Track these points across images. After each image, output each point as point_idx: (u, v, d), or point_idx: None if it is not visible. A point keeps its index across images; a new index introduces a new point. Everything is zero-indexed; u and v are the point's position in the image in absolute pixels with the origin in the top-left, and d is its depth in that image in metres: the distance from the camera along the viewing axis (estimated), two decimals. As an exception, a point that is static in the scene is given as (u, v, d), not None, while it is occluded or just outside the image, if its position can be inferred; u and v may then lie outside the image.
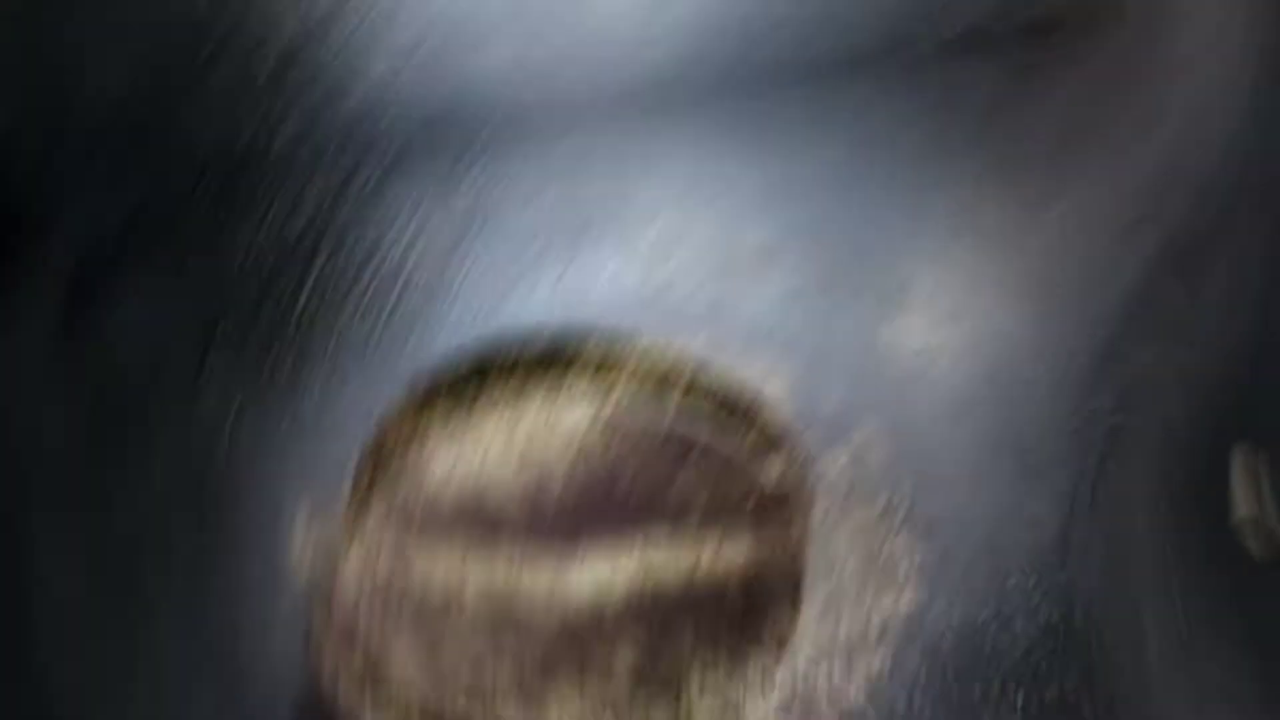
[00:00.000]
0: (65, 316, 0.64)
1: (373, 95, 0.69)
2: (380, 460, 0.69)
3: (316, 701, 0.65)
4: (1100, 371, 0.65)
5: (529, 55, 0.70)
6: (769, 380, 0.71)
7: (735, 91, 0.69)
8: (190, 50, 0.67)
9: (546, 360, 0.72)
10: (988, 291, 0.68)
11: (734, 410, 0.70)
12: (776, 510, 0.68)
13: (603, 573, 0.67)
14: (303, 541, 0.67)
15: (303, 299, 0.70)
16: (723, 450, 0.70)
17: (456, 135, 0.70)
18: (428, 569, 0.67)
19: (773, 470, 0.69)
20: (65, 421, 0.64)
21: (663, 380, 0.71)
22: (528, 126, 0.70)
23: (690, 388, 0.71)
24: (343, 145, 0.68)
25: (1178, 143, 0.64)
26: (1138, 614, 0.62)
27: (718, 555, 0.67)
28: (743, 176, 0.71)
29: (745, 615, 0.66)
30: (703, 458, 0.70)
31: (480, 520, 0.68)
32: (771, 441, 0.70)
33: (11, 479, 0.63)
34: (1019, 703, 0.61)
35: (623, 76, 0.69)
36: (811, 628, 0.66)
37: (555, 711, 0.63)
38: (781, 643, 0.65)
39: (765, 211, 0.71)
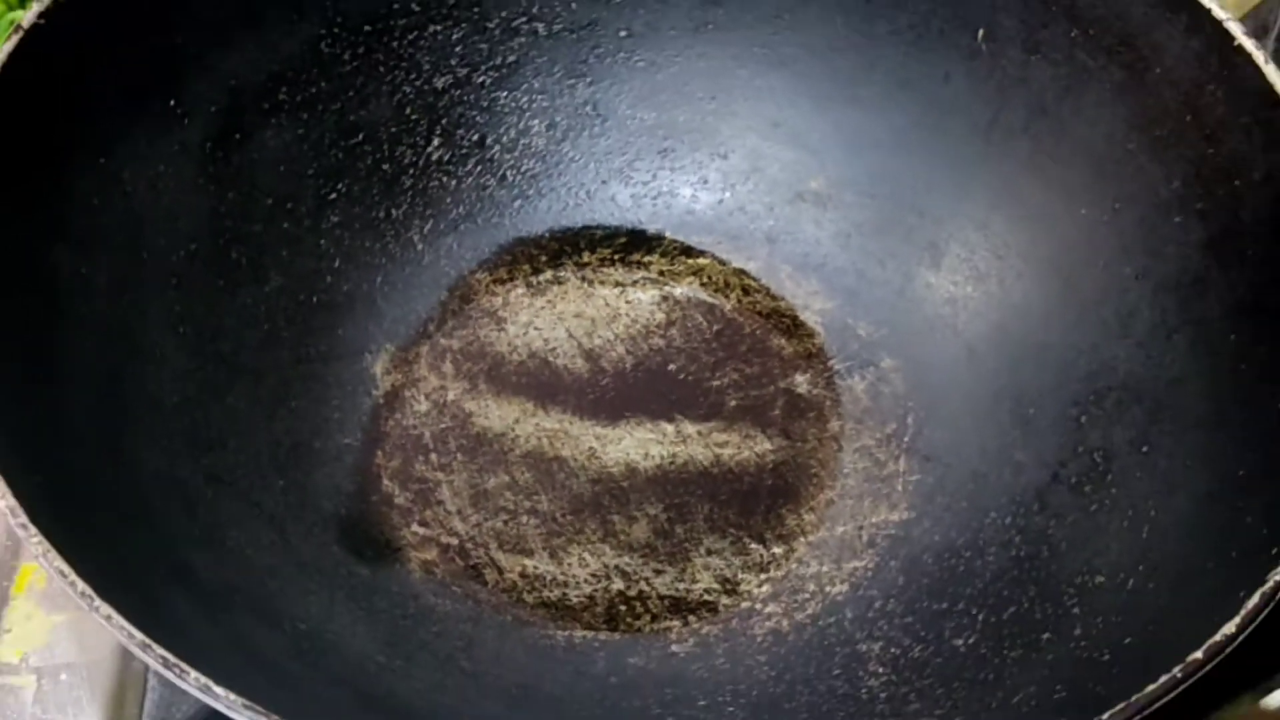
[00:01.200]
0: (216, 140, 0.64)
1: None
2: (464, 314, 0.71)
3: (367, 518, 0.64)
4: (1108, 349, 0.63)
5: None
6: (811, 304, 0.72)
7: (840, 45, 0.69)
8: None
9: (621, 255, 0.73)
10: (1016, 261, 0.68)
11: (777, 325, 0.72)
12: (800, 417, 0.69)
13: (638, 447, 0.67)
14: (382, 372, 0.68)
15: (417, 171, 0.71)
16: (762, 357, 0.70)
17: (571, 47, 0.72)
18: (486, 417, 0.68)
19: (802, 382, 0.70)
20: (203, 225, 0.64)
21: (719, 289, 0.72)
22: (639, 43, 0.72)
23: (743, 299, 0.72)
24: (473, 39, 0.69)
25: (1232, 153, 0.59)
26: (1102, 563, 0.58)
27: (741, 447, 0.68)
28: (817, 127, 0.72)
29: (756, 504, 0.66)
30: (744, 361, 0.70)
31: (541, 382, 0.69)
32: (806, 357, 0.71)
33: (143, 262, 0.60)
34: (979, 621, 0.60)
35: (732, 12, 0.70)
36: (812, 525, 0.65)
37: (575, 567, 0.63)
38: (783, 533, 0.65)
39: (830, 160, 0.72)
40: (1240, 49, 0.58)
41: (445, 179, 0.71)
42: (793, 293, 0.72)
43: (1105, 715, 0.45)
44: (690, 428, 0.68)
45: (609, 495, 0.66)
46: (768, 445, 0.67)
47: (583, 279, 0.72)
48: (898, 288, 0.70)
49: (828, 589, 0.63)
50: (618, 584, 0.63)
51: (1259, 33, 0.62)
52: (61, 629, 0.65)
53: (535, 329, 0.70)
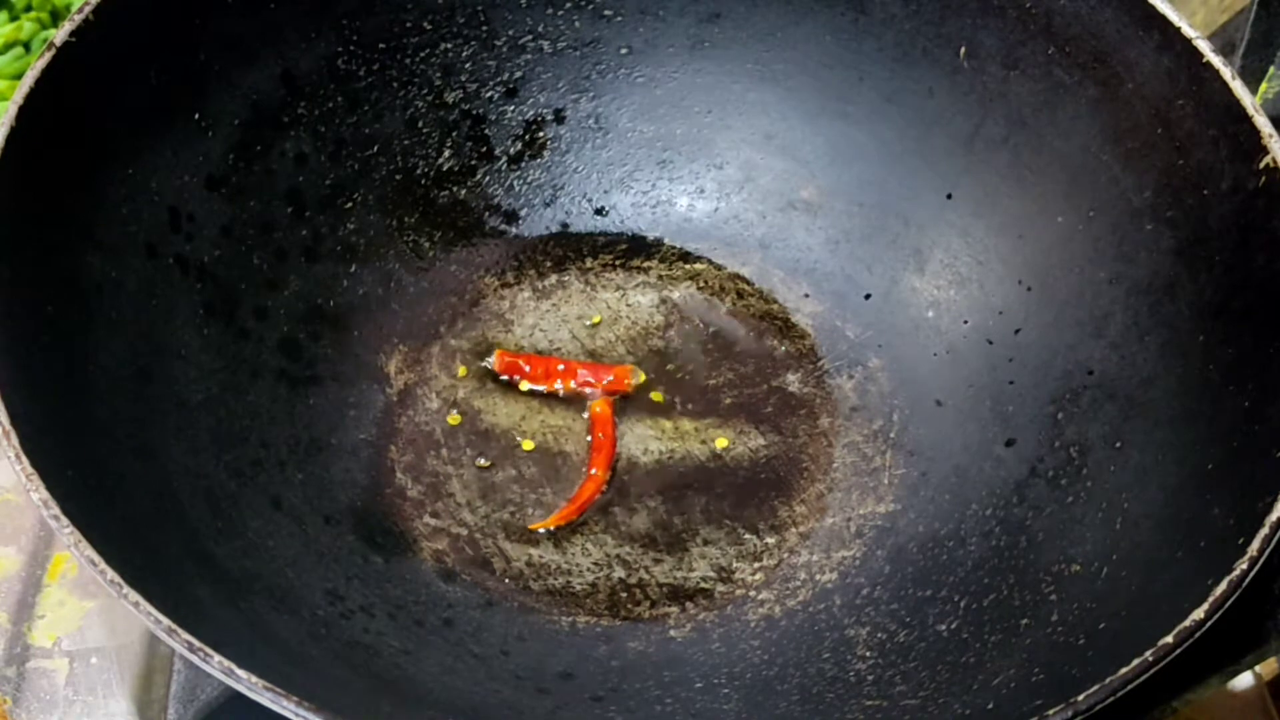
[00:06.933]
0: (237, 151, 0.65)
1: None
2: (473, 316, 0.71)
3: (381, 509, 0.64)
4: (1084, 350, 0.64)
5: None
6: (802, 307, 0.72)
7: (830, 62, 0.69)
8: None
9: (622, 260, 0.74)
10: (996, 266, 0.68)
11: (770, 326, 0.72)
12: (792, 414, 0.69)
13: (638, 443, 0.68)
14: (395, 371, 0.68)
15: (428, 181, 0.71)
16: (756, 357, 0.70)
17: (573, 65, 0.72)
18: (494, 413, 0.68)
19: (794, 381, 0.70)
20: (226, 232, 0.64)
21: (715, 292, 0.73)
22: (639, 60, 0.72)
23: (737, 302, 0.72)
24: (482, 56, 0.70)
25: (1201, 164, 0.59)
26: (1078, 552, 0.58)
27: (736, 443, 0.67)
28: (807, 139, 0.72)
29: (750, 496, 0.66)
30: (738, 360, 0.70)
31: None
32: (797, 357, 0.71)
33: (169, 267, 0.61)
34: (961, 607, 0.60)
35: (727, 30, 0.70)
36: (803, 516, 0.65)
37: (579, 556, 0.63)
38: (775, 524, 0.65)
39: (820, 170, 0.72)
40: (1208, 65, 0.58)
41: (455, 188, 0.72)
42: (785, 296, 0.72)
43: (1080, 697, 0.46)
44: (688, 424, 0.68)
45: (610, 488, 0.65)
46: (761, 441, 0.67)
47: (586, 283, 0.72)
48: (884, 291, 0.70)
49: (818, 577, 0.63)
50: (619, 572, 0.63)
51: (1226, 50, 0.62)
52: (92, 615, 0.65)
53: (541, 330, 0.70)
